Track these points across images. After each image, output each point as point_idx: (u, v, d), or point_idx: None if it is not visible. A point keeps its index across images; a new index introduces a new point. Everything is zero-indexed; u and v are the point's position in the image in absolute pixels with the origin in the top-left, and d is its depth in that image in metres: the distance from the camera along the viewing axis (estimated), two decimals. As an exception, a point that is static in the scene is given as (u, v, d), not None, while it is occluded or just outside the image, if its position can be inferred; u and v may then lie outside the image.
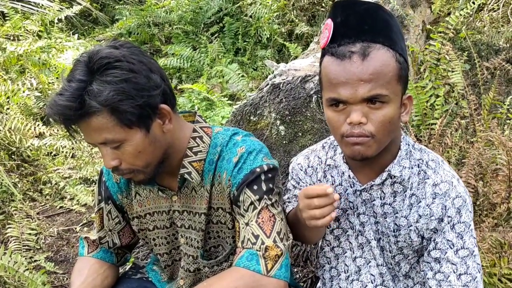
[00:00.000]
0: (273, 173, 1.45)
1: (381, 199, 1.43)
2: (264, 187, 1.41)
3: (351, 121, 1.25)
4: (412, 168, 1.40)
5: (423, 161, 1.41)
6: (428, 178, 1.39)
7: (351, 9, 1.27)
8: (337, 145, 1.52)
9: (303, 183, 1.61)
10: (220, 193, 1.48)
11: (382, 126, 1.25)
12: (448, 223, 1.36)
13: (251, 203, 1.40)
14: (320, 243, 1.65)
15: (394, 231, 1.44)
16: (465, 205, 1.36)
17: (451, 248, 1.36)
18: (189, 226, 1.55)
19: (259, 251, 1.35)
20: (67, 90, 1.25)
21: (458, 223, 1.36)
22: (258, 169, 1.42)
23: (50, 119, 1.33)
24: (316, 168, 1.58)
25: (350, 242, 1.54)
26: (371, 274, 1.52)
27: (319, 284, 1.70)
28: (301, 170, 1.61)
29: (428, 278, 1.41)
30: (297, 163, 1.63)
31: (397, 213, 1.43)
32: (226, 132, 1.53)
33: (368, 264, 1.53)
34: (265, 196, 1.41)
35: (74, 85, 1.25)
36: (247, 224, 1.40)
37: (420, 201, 1.39)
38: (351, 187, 1.47)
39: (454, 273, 1.35)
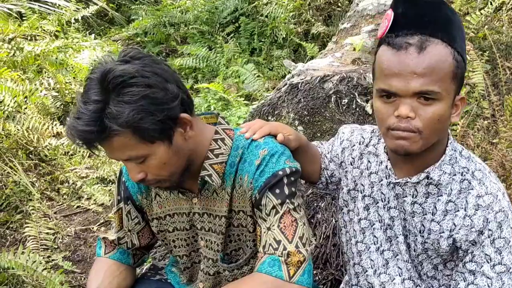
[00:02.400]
0: (296, 176, 1.43)
1: (413, 197, 1.41)
2: (286, 191, 1.39)
3: (399, 114, 1.22)
4: (454, 175, 1.36)
5: (468, 170, 1.37)
6: (472, 189, 1.35)
7: (413, 1, 1.26)
8: None
9: (335, 147, 1.63)
10: (241, 196, 1.46)
11: (430, 123, 1.23)
12: (489, 236, 1.32)
13: (273, 207, 1.38)
14: (344, 238, 1.63)
15: (420, 232, 1.42)
16: (507, 220, 1.32)
17: (488, 263, 1.33)
18: (209, 228, 1.53)
19: (281, 256, 1.33)
20: (85, 113, 1.22)
21: (498, 238, 1.32)
22: (280, 172, 1.39)
23: (71, 141, 1.32)
24: (354, 145, 1.57)
25: (375, 236, 1.52)
26: (399, 267, 1.50)
27: (346, 278, 1.68)
28: (339, 138, 1.63)
29: None
30: (344, 130, 1.64)
31: (425, 214, 1.40)
32: None
33: (395, 257, 1.50)
34: (287, 200, 1.38)
35: (91, 108, 1.22)
36: (268, 228, 1.38)
37: (458, 210, 1.36)
38: (386, 179, 1.45)
39: (489, 287, 1.33)
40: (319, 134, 2.59)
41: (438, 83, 1.20)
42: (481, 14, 3.29)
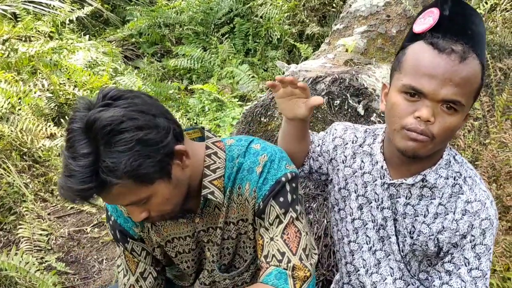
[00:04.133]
0: (296, 181, 1.43)
1: (406, 198, 1.42)
2: (289, 198, 1.38)
3: (420, 115, 1.21)
4: (447, 179, 1.38)
5: (461, 175, 1.39)
6: (462, 194, 1.37)
7: (460, 8, 1.25)
8: (377, 134, 1.51)
9: (326, 143, 1.62)
10: (241, 205, 1.43)
11: (445, 132, 1.23)
12: (470, 241, 1.35)
13: (277, 216, 1.37)
14: (336, 236, 1.64)
15: (410, 233, 1.43)
16: (491, 228, 1.34)
17: (466, 266, 1.35)
18: (209, 240, 1.51)
19: (287, 269, 1.33)
20: (76, 170, 1.13)
21: (480, 244, 1.34)
22: (283, 179, 1.38)
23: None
24: (347, 143, 1.57)
25: (368, 236, 1.53)
26: (390, 267, 1.52)
27: (337, 277, 1.69)
28: (331, 134, 1.61)
29: (433, 285, 1.41)
30: (336, 127, 1.63)
31: (417, 216, 1.41)
32: (240, 142, 1.48)
33: (387, 257, 1.51)
34: (290, 209, 1.38)
35: (82, 163, 1.13)
36: (272, 239, 1.37)
37: (448, 214, 1.37)
38: (381, 179, 1.45)
39: None
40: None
41: (466, 96, 1.20)
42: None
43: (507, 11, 4.91)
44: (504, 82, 3.37)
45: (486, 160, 2.32)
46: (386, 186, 1.44)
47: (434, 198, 1.39)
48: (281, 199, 1.37)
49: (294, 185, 1.41)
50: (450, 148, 1.42)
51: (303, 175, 1.69)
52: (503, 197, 2.23)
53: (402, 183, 1.40)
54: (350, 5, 3.56)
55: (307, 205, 2.45)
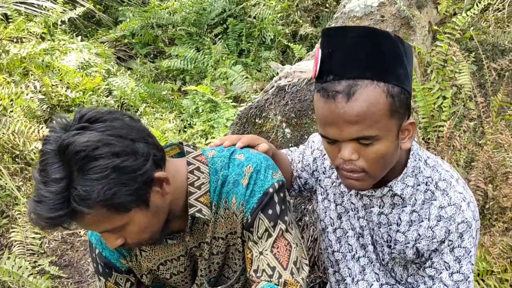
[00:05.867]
0: (283, 189, 1.39)
1: (379, 207, 1.41)
2: (278, 210, 1.34)
3: (341, 157, 1.20)
4: (419, 185, 1.35)
5: (432, 180, 1.36)
6: (435, 200, 1.34)
7: (340, 40, 1.17)
8: None
9: (306, 156, 1.62)
10: (229, 219, 1.39)
11: (375, 163, 1.20)
12: (448, 245, 1.33)
13: (266, 229, 1.34)
14: (322, 245, 1.63)
15: (387, 242, 1.43)
16: (469, 231, 1.32)
17: (447, 270, 1.35)
18: (200, 254, 1.47)
19: (278, 285, 1.29)
20: (47, 196, 1.07)
21: (458, 247, 1.33)
22: (271, 189, 1.34)
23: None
24: (325, 155, 1.55)
25: (349, 244, 1.52)
26: (375, 273, 1.51)
27: (328, 286, 1.68)
28: (309, 147, 1.61)
29: None
30: (314, 139, 1.62)
31: (391, 225, 1.40)
32: (222, 153, 1.42)
33: (371, 263, 1.51)
34: (279, 221, 1.34)
35: (54, 189, 1.07)
36: (261, 253, 1.33)
37: (423, 221, 1.36)
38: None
39: None
40: (306, 137, 2.59)
41: (374, 127, 1.14)
42: (467, 15, 3.30)
43: (499, 11, 4.92)
44: (499, 82, 3.37)
45: (482, 161, 2.31)
46: (359, 196, 1.43)
47: (405, 206, 1.37)
48: (270, 211, 1.33)
49: (282, 194, 1.37)
50: (421, 150, 1.39)
51: (294, 195, 1.70)
52: (499, 198, 2.23)
53: (373, 195, 1.38)
54: (344, 6, 3.55)
55: (303, 206, 2.44)
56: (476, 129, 2.86)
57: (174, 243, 1.43)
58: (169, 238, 1.41)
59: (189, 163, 1.36)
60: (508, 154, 2.35)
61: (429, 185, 1.35)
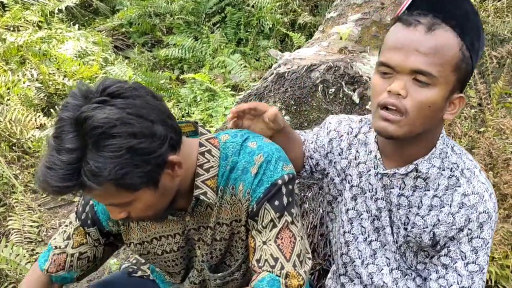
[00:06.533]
0: (293, 182, 1.37)
1: (400, 189, 1.39)
2: (285, 202, 1.32)
3: (390, 89, 1.19)
4: (443, 170, 1.34)
5: (458, 166, 1.35)
6: (459, 186, 1.33)
7: None
8: None
9: (321, 137, 1.59)
10: (234, 205, 1.37)
11: (420, 107, 1.19)
12: (467, 235, 1.32)
13: (271, 220, 1.32)
14: (332, 226, 1.62)
15: (405, 224, 1.41)
16: (489, 222, 1.31)
17: (462, 260, 1.33)
18: (199, 239, 1.45)
19: (280, 277, 1.28)
20: (58, 165, 1.05)
21: (477, 237, 1.31)
22: (279, 181, 1.32)
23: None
24: (342, 136, 1.54)
25: (362, 227, 1.50)
26: (387, 258, 1.49)
27: (333, 267, 1.67)
28: (325, 128, 1.58)
29: (430, 279, 1.39)
30: (331, 120, 1.60)
31: (411, 207, 1.39)
32: (235, 139, 1.40)
33: (383, 248, 1.49)
34: (285, 213, 1.32)
35: (65, 158, 1.05)
36: (264, 243, 1.32)
37: (444, 206, 1.34)
38: (374, 169, 1.42)
39: (458, 284, 1.33)
40: (306, 124, 2.57)
41: (437, 68, 1.16)
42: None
43: (499, 1, 4.91)
44: (499, 70, 3.36)
45: (482, 148, 2.30)
46: (379, 176, 1.41)
47: (428, 190, 1.35)
48: (276, 202, 1.32)
49: (290, 187, 1.35)
50: (448, 138, 1.38)
51: (306, 176, 1.67)
52: (500, 185, 2.22)
53: (396, 173, 1.36)
54: (344, -7, 3.52)
55: (303, 194, 2.43)
56: (477, 117, 2.86)
57: (174, 219, 1.42)
58: (170, 214, 1.40)
59: (201, 145, 1.35)
60: (509, 140, 2.34)
61: (454, 171, 1.34)
